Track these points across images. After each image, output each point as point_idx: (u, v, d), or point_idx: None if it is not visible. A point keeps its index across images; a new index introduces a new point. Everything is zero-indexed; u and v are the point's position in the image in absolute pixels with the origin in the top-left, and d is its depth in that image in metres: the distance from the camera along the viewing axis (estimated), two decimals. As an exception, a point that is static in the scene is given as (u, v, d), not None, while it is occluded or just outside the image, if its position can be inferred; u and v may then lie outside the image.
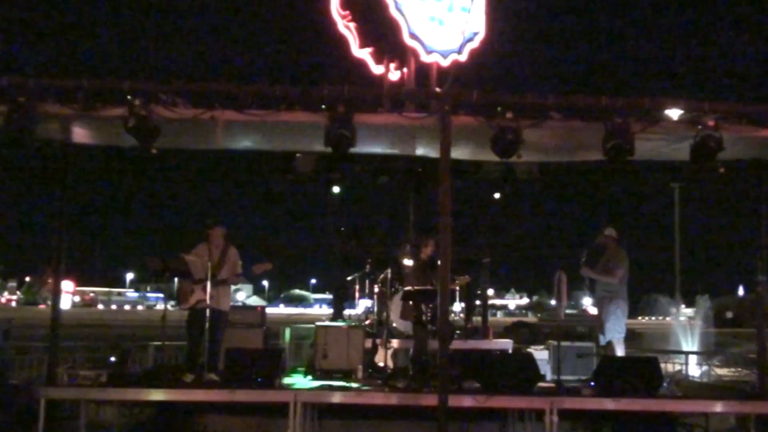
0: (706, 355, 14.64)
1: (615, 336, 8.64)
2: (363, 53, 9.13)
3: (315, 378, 8.18)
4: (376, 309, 9.86)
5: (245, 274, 8.60)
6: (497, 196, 10.39)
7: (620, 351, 8.65)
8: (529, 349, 9.20)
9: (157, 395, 7.19)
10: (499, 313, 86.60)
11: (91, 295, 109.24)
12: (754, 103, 6.93)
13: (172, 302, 8.55)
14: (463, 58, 9.34)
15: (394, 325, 9.04)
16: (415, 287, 8.52)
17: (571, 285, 8.47)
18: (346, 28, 9.09)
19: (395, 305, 8.99)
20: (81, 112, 6.57)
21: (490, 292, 11.60)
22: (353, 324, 9.41)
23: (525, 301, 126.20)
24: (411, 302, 8.44)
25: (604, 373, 7.35)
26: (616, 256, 8.76)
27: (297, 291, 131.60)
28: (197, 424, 7.53)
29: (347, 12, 9.05)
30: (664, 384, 7.79)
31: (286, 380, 7.93)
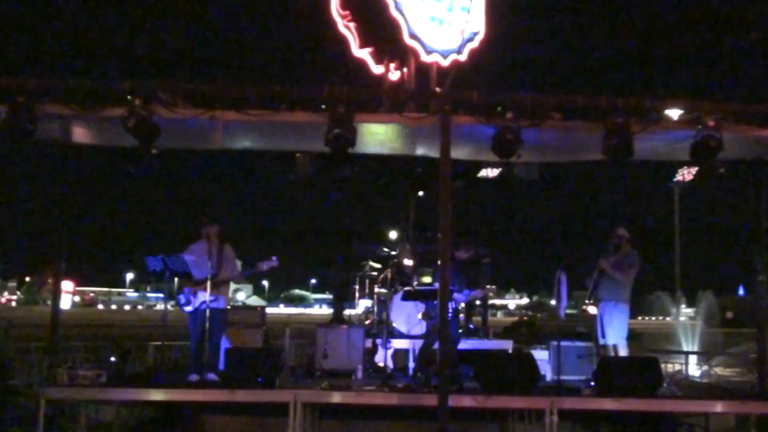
0: (706, 355, 14.64)
1: (620, 341, 8.64)
2: (363, 53, 9.13)
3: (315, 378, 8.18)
4: (375, 309, 9.85)
5: (249, 272, 8.60)
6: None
7: (623, 352, 8.66)
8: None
9: (157, 395, 7.19)
10: (499, 313, 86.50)
11: (91, 295, 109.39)
12: (754, 103, 6.92)
13: (172, 302, 8.55)
14: (463, 58, 9.35)
15: (395, 325, 9.04)
16: (416, 287, 8.52)
17: (571, 285, 8.46)
18: (346, 28, 9.09)
19: (396, 305, 8.99)
20: (81, 112, 6.57)
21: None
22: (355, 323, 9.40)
23: (525, 301, 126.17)
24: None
25: (604, 373, 7.34)
26: (631, 256, 8.74)
27: (297, 291, 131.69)
28: (197, 424, 7.52)
29: (347, 12, 9.05)
30: (664, 384, 7.79)
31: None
